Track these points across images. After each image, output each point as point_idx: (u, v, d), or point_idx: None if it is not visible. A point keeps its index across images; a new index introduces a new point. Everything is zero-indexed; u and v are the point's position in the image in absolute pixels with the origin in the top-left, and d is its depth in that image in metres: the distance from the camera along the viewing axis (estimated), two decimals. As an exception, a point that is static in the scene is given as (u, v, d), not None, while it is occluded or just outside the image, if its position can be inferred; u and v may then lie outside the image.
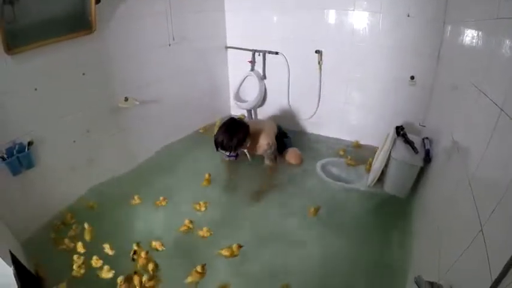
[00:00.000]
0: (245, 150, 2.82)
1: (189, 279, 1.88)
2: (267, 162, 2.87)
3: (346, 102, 3.23)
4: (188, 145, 3.41)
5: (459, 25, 2.04)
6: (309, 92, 3.38)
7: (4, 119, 2.03)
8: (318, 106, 3.40)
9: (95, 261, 2.01)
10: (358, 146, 3.28)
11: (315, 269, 1.99)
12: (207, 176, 2.74)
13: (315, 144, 3.38)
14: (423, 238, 1.84)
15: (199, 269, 1.89)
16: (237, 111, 4.05)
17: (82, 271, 1.98)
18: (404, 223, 2.23)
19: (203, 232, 2.21)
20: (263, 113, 3.88)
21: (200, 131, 3.64)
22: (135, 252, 2.05)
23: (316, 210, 2.36)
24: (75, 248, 2.12)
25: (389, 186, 2.48)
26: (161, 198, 2.53)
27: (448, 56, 2.35)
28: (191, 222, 2.31)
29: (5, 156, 2.00)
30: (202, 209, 2.45)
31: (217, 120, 3.50)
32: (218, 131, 2.65)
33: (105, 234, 2.23)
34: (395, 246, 2.09)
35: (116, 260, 2.03)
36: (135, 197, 2.55)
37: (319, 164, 2.91)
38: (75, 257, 2.03)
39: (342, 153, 3.09)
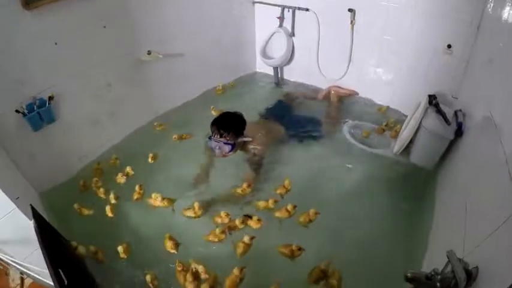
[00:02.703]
0: (244, 139, 2.47)
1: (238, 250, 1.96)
2: (248, 174, 2.46)
3: (377, 66, 3.12)
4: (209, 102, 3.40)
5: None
6: (339, 52, 3.25)
7: (24, 74, 2.06)
8: (348, 67, 3.29)
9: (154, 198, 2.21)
10: (383, 111, 3.17)
11: (332, 233, 2.04)
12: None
13: (343, 106, 3.32)
14: (447, 212, 1.84)
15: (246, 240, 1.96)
16: (262, 68, 3.96)
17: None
18: (427, 194, 2.23)
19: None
20: (289, 72, 3.81)
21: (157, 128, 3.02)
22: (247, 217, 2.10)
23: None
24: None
25: (416, 156, 2.45)
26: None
27: (489, 27, 2.19)
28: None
29: (26, 112, 2.05)
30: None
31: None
32: (217, 116, 2.50)
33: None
34: (416, 217, 2.10)
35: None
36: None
37: (346, 126, 2.90)
38: (137, 187, 2.29)
39: (365, 134, 2.86)
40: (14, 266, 1.71)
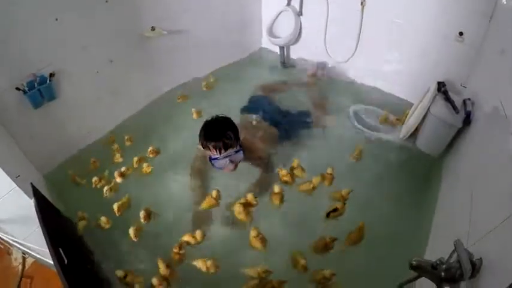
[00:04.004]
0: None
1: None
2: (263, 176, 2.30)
3: (386, 49, 3.03)
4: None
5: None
6: (348, 34, 3.16)
7: (25, 51, 2.02)
8: (355, 50, 3.20)
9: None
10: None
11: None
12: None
13: (347, 89, 3.27)
14: (452, 201, 1.83)
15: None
16: (268, 47, 3.89)
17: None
18: (432, 181, 2.21)
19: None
20: (296, 52, 3.72)
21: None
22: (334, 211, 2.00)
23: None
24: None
25: (422, 143, 2.42)
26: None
27: (503, 18, 2.10)
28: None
29: (26, 89, 2.02)
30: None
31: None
32: (205, 128, 2.03)
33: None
34: (420, 204, 2.10)
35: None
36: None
37: (352, 109, 2.86)
38: (145, 164, 2.34)
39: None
40: (15, 246, 1.72)
